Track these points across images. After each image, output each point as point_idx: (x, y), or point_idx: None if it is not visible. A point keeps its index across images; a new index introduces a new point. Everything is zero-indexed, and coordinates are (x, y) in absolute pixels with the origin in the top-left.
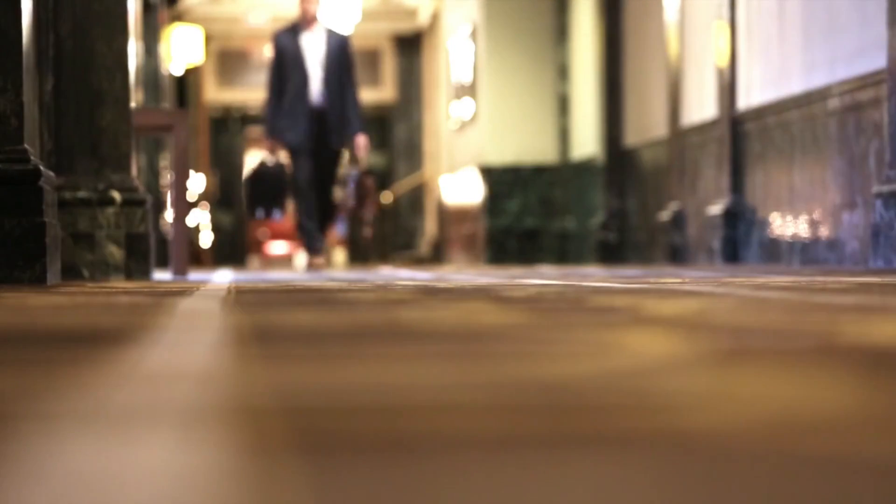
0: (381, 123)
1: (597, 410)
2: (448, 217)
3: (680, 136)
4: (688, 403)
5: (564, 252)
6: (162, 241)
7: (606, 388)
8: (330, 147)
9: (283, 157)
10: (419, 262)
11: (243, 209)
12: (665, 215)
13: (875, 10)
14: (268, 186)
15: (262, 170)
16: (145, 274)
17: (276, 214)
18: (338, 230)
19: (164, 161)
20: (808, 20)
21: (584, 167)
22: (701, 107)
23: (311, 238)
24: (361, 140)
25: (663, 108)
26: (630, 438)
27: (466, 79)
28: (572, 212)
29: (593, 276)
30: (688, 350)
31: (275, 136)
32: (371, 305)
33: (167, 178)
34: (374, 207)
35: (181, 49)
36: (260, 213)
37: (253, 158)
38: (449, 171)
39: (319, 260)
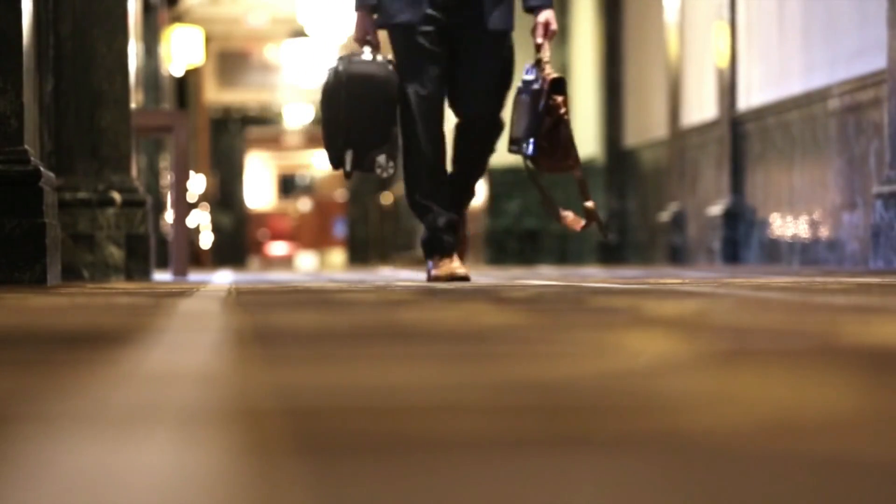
0: None
1: (597, 411)
2: None
3: (680, 137)
4: (688, 404)
5: (564, 253)
6: (162, 242)
7: (606, 389)
8: (487, 29)
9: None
10: (419, 262)
11: (243, 209)
12: (665, 216)
13: (875, 10)
14: (363, 106)
15: (350, 73)
16: (145, 275)
17: (381, 164)
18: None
19: (165, 162)
20: (808, 21)
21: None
22: (701, 107)
23: (437, 218)
24: (545, 18)
25: (663, 108)
26: (630, 439)
27: None
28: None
29: (593, 277)
30: (688, 351)
31: (367, 9)
32: (371, 306)
33: (167, 178)
34: (573, 153)
35: (181, 50)
36: (348, 158)
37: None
38: None
39: (451, 263)
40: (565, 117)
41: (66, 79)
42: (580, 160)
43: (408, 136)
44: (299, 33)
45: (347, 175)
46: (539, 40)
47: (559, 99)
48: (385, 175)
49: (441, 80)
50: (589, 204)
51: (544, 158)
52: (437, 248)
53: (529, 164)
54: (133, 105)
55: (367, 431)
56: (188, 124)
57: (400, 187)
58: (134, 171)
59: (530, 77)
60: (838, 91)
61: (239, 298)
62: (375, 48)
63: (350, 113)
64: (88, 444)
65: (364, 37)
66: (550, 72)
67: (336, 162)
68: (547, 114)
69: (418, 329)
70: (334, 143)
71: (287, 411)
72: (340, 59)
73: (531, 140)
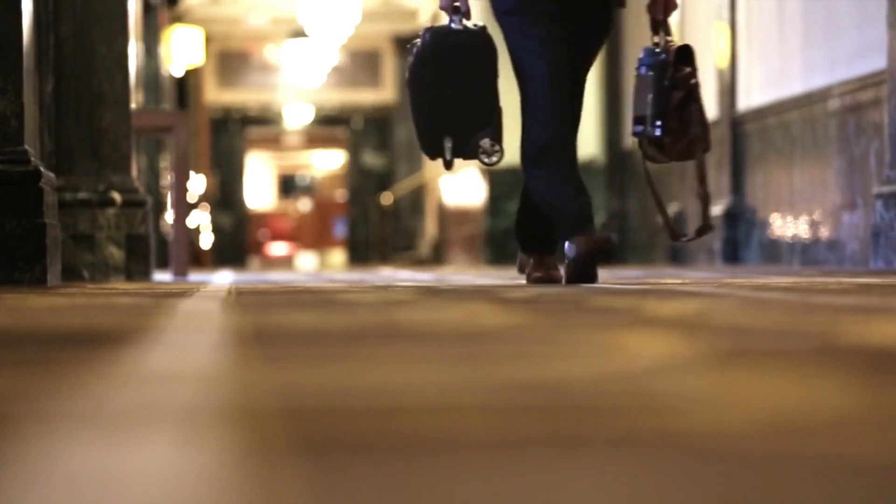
0: (382, 124)
1: (597, 411)
2: (448, 218)
3: None
4: (688, 404)
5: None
6: (162, 243)
7: (607, 390)
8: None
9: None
10: (419, 263)
11: (244, 209)
12: None
13: (875, 10)
14: (454, 84)
15: (436, 47)
16: (145, 275)
17: (486, 148)
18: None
19: (165, 162)
20: (808, 21)
21: (585, 168)
22: None
23: (572, 209)
24: None
25: None
26: (630, 439)
27: None
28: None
29: None
30: (688, 351)
31: None
32: (371, 307)
33: (167, 179)
34: (705, 135)
35: (181, 50)
36: (447, 146)
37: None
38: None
39: (544, 269)
40: (697, 89)
41: (66, 79)
42: (710, 141)
43: (533, 120)
44: (299, 33)
45: (448, 166)
46: (659, 16)
47: (687, 70)
48: (491, 162)
49: (564, 56)
50: (703, 192)
51: (672, 141)
52: (538, 245)
53: (650, 152)
54: (133, 105)
55: (366, 431)
56: (188, 124)
57: (401, 187)
58: (134, 172)
59: (652, 50)
60: (838, 91)
61: (239, 299)
62: (465, 16)
63: (440, 93)
64: (88, 444)
65: (451, 2)
66: (674, 40)
67: (433, 151)
68: (674, 87)
69: (418, 329)
70: (428, 131)
71: (287, 411)
72: (424, 31)
73: (659, 120)
